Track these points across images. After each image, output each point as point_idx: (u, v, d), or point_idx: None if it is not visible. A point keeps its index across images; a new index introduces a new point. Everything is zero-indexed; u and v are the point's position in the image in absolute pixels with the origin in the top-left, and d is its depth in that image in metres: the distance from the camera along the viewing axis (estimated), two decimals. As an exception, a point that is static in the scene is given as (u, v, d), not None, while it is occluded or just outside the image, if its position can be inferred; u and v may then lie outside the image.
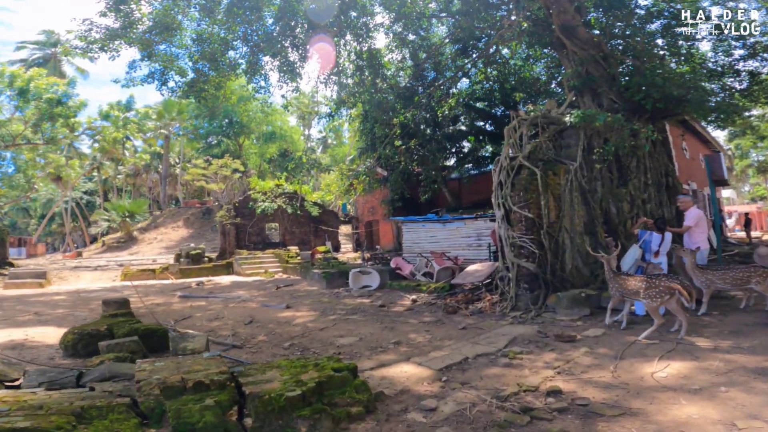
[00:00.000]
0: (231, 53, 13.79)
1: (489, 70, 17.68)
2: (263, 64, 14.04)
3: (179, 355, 3.95)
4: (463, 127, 20.04)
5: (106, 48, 12.00)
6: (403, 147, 19.16)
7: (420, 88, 17.84)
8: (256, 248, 23.14)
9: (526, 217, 7.36)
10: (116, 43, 12.05)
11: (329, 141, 46.12)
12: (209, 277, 15.86)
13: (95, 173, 42.30)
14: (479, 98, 19.72)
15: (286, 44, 13.84)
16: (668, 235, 6.44)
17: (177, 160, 39.18)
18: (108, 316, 6.24)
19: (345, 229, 32.23)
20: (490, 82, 18.84)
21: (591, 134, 9.28)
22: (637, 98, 10.81)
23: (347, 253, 25.97)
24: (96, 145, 35.16)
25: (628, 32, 13.79)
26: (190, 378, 2.79)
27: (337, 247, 26.49)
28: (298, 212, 24.65)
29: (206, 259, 18.94)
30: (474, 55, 17.04)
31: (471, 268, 9.61)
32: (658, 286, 5.16)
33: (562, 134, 9.43)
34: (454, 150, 20.76)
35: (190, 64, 13.12)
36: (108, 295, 10.76)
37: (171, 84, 13.08)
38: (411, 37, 17.36)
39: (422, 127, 19.27)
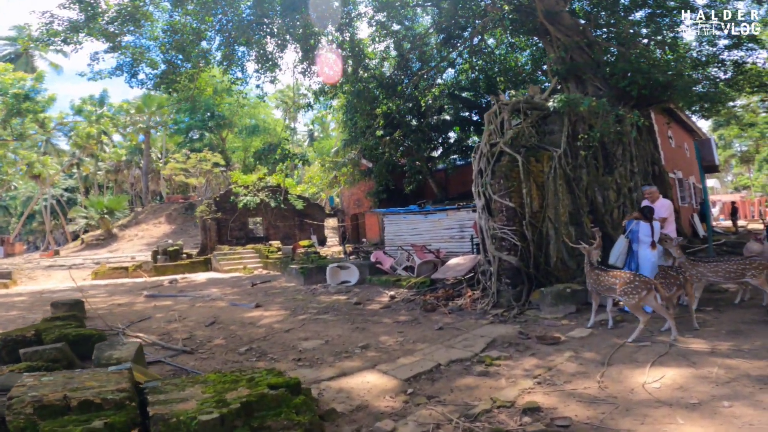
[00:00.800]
0: (205, 44, 13.31)
1: (474, 60, 17.25)
2: (239, 54, 13.58)
3: (102, 365, 3.43)
4: (448, 117, 19.56)
5: (69, 40, 11.41)
6: (387, 138, 18.68)
7: (405, 78, 17.44)
8: (238, 243, 22.52)
9: (506, 206, 6.87)
10: (80, 35, 11.47)
11: (316, 134, 45.39)
12: (185, 275, 15.22)
13: (75, 170, 41.13)
14: (464, 88, 19.27)
15: (263, 34, 13.41)
16: (656, 225, 6.01)
17: (159, 155, 38.18)
18: (50, 319, 5.66)
19: (332, 222, 31.68)
20: (476, 72, 18.38)
21: (575, 120, 8.84)
22: (622, 84, 10.43)
23: (333, 246, 25.47)
24: (72, 141, 34.05)
25: (612, 21, 13.46)
26: (75, 396, 2.27)
27: (323, 241, 25.95)
28: (282, 206, 24.05)
29: (184, 255, 18.27)
30: (459, 45, 16.70)
31: (452, 261, 9.15)
32: (634, 282, 4.76)
33: (546, 120, 8.97)
34: (440, 140, 20.31)
35: (162, 55, 12.56)
36: (73, 295, 10.14)
37: (141, 76, 12.55)
38: (395, 27, 17.04)
39: (407, 117, 18.79)
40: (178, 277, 14.53)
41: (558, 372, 3.89)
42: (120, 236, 28.60)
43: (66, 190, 44.18)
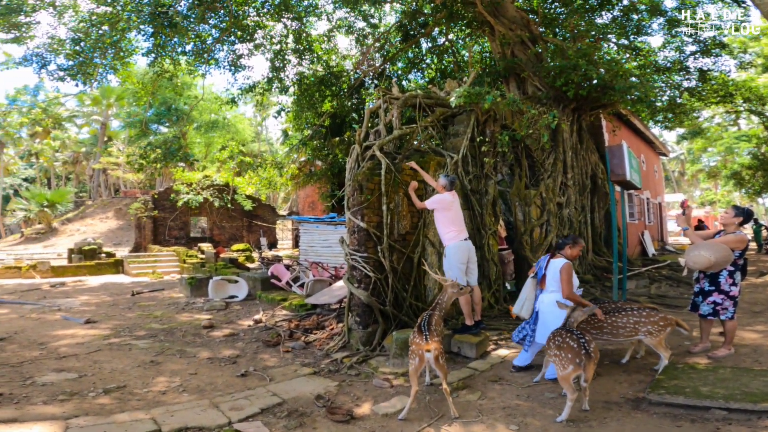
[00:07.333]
0: (132, 35, 12.27)
1: (442, 61, 16.06)
2: (172, 46, 12.55)
3: None
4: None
5: None
6: (337, 139, 17.34)
7: (367, 78, 16.31)
8: (178, 243, 21.02)
9: (358, 227, 5.41)
10: None
11: (291, 132, 43.83)
12: (82, 277, 13.62)
13: (34, 159, 39.32)
14: (420, 88, 18.00)
15: (207, 27, 12.42)
16: (562, 263, 4.08)
17: (121, 148, 36.44)
18: None
19: (289, 224, 30.24)
20: (434, 72, 17.14)
21: (485, 120, 7.46)
22: (558, 83, 9.09)
23: (283, 250, 24.05)
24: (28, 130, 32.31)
25: (562, 17, 12.27)
26: None
27: (273, 244, 24.49)
28: (229, 206, 22.55)
29: (103, 255, 16.66)
30: (422, 42, 15.77)
31: (336, 284, 7.71)
32: (412, 343, 3.53)
33: (454, 120, 7.59)
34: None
35: (74, 47, 11.42)
36: None
37: (52, 67, 11.25)
38: (359, 24, 16.17)
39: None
40: (70, 279, 12.93)
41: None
42: (61, 231, 26.84)
43: (25, 179, 42.28)
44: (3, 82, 77.51)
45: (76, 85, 12.47)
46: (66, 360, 5.00)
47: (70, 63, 11.31)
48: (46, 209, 26.06)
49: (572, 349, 3.34)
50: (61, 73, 11.25)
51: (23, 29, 10.94)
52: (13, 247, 25.25)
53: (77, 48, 11.19)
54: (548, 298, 4.12)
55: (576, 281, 4.16)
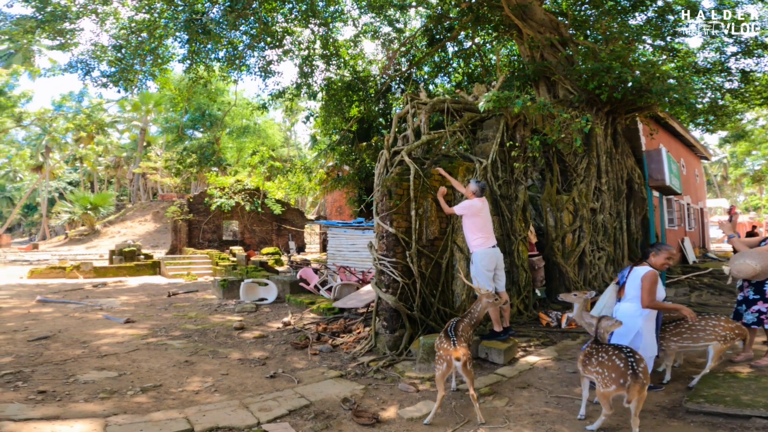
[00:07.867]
0: (169, 42, 12.70)
1: (469, 64, 15.95)
2: (206, 52, 12.91)
3: None
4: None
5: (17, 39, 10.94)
6: (364, 144, 17.51)
7: (393, 83, 16.41)
8: (210, 246, 21.65)
9: (387, 232, 5.45)
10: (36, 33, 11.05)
11: (319, 137, 44.52)
12: (122, 278, 14.21)
13: (78, 164, 41.38)
14: (446, 92, 17.96)
15: (238, 33, 12.90)
16: (646, 271, 3.76)
17: (158, 153, 37.89)
18: None
19: (317, 228, 30.67)
20: (460, 75, 17.05)
21: (515, 124, 7.37)
22: (590, 87, 8.88)
23: (311, 254, 24.39)
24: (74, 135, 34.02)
25: (593, 17, 12.01)
26: None
27: (302, 248, 24.88)
28: (259, 210, 23.07)
29: (142, 256, 17.34)
30: (448, 46, 15.71)
31: (364, 289, 7.77)
32: (439, 349, 3.55)
33: (483, 124, 7.54)
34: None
35: (115, 53, 11.87)
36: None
37: (95, 74, 11.71)
38: (385, 29, 16.26)
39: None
40: (111, 280, 13.51)
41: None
42: (102, 233, 28.11)
43: (70, 183, 44.53)
44: (49, 88, 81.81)
45: (118, 92, 13.07)
46: (106, 359, 5.24)
47: (113, 69, 11.67)
48: (89, 212, 27.36)
49: (617, 368, 3.02)
50: (104, 80, 11.55)
51: (68, 36, 11.35)
52: (58, 248, 26.63)
53: (119, 55, 11.58)
54: (624, 307, 3.81)
55: (662, 293, 3.82)
